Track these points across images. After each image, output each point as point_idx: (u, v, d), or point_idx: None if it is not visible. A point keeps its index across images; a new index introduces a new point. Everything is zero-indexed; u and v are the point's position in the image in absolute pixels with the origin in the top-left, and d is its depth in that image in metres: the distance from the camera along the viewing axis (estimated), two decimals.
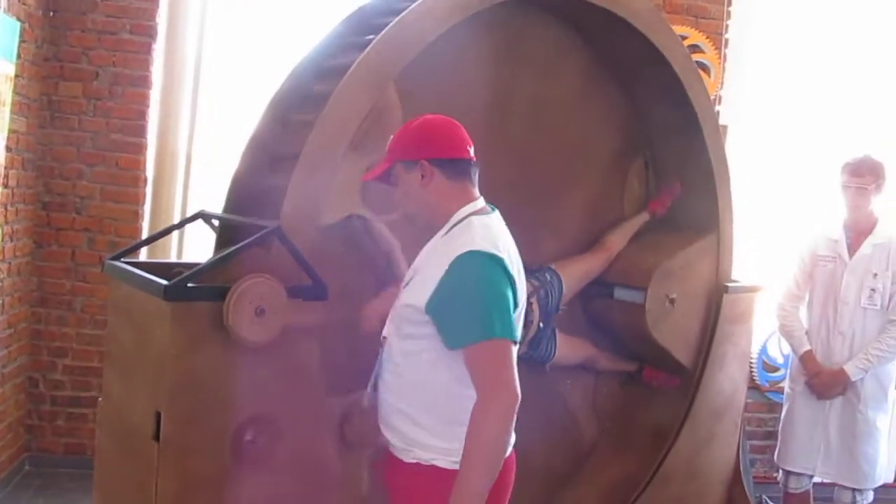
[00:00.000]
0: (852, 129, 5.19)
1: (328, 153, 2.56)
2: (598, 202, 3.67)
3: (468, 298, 2.03)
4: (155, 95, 4.45)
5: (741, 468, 4.37)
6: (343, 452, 2.69)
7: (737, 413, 4.24)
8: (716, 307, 3.94)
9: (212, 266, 2.36)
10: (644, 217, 3.57)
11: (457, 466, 2.04)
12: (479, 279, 2.03)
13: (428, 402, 2.16)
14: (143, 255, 3.87)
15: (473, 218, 2.15)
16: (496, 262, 2.06)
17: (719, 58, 4.87)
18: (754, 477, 4.77)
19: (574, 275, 3.38)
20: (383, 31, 2.67)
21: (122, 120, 4.40)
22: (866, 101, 5.29)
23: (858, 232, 3.75)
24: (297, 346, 2.46)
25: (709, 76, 4.79)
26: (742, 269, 4.90)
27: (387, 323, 2.29)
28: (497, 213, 2.25)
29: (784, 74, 5.10)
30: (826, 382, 3.73)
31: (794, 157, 5.09)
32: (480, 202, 2.22)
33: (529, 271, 3.24)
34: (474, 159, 2.22)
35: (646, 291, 3.45)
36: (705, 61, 4.79)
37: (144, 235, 4.42)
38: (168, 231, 2.70)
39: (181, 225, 2.79)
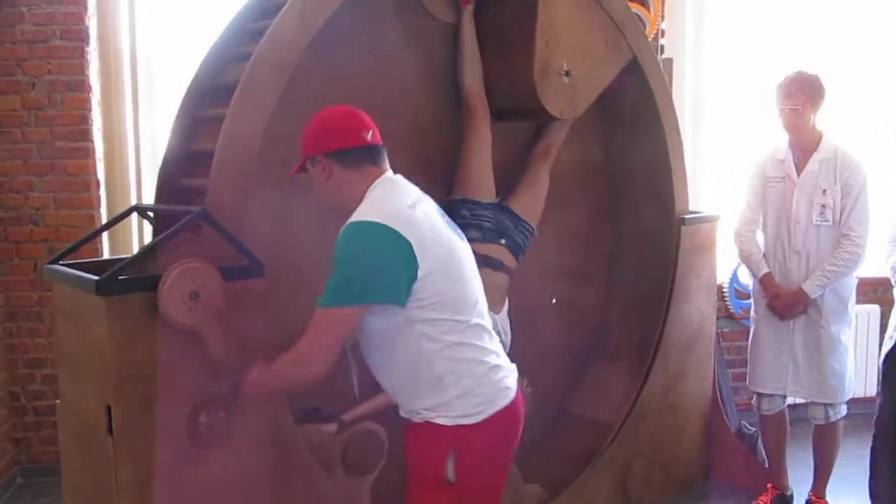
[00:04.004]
0: (799, 50, 5.18)
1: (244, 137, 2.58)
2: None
3: (333, 268, 2.14)
4: (95, 98, 4.43)
5: (720, 397, 4.43)
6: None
7: (708, 343, 4.29)
8: (675, 239, 3.99)
9: (141, 256, 2.38)
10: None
11: (452, 421, 2.20)
12: (343, 249, 2.14)
13: (405, 372, 2.25)
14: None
15: (375, 191, 2.23)
16: (372, 228, 2.12)
17: None
18: (738, 404, 4.82)
19: (535, 199, 3.54)
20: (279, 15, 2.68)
21: (65, 127, 4.38)
22: (814, 21, 5.28)
23: (804, 150, 3.75)
24: (242, 324, 2.47)
25: (649, 10, 4.77)
26: (703, 200, 4.98)
27: None
28: (400, 177, 2.32)
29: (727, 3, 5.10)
30: (786, 303, 3.75)
31: (743, 85, 5.07)
32: (385, 176, 2.28)
33: (487, 217, 3.33)
34: (371, 142, 2.28)
35: None
36: None
37: (104, 240, 4.42)
38: (102, 230, 2.71)
39: (115, 222, 2.79)
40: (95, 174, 4.45)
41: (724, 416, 4.40)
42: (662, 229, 4.02)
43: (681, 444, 4.21)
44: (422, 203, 2.27)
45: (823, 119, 3.79)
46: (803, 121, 3.68)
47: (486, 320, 2.34)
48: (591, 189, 4.14)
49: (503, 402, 2.28)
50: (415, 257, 2.11)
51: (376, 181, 2.26)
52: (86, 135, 4.41)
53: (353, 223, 2.16)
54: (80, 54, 4.36)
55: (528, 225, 3.50)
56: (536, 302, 3.94)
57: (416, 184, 2.38)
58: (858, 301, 4.35)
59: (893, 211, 3.64)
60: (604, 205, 4.19)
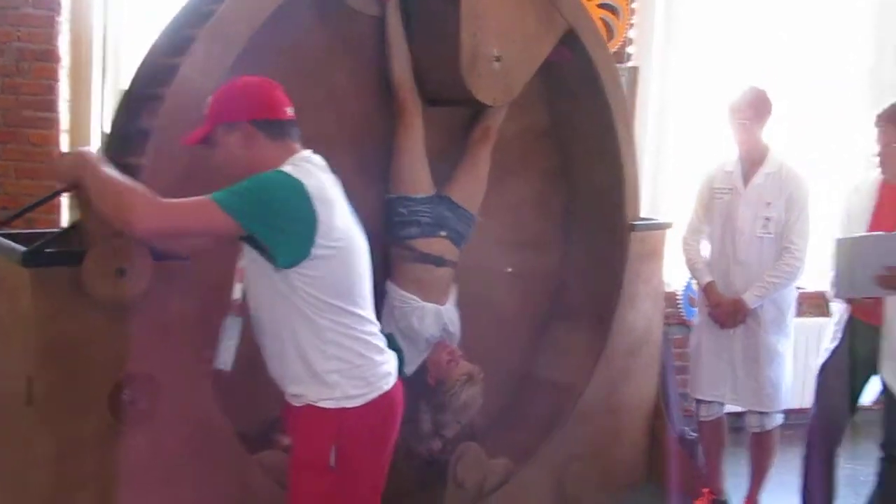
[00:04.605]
0: (763, 61, 5.24)
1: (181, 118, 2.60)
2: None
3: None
4: (64, 69, 4.44)
5: (665, 402, 4.49)
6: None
7: (654, 349, 4.34)
8: (624, 245, 4.04)
9: (70, 230, 2.41)
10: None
11: (335, 404, 2.25)
12: (258, 177, 2.14)
13: (287, 344, 2.26)
14: None
15: (291, 165, 2.23)
16: (286, 177, 2.14)
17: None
18: (686, 410, 4.88)
19: (475, 185, 3.57)
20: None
21: (31, 96, 4.38)
22: (778, 33, 5.34)
23: (751, 163, 3.81)
24: (166, 303, 2.51)
25: (617, 17, 4.81)
26: (661, 208, 5.04)
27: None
28: (318, 157, 2.32)
29: (694, 12, 5.14)
30: (727, 312, 3.81)
31: (707, 94, 5.12)
32: (303, 152, 2.29)
33: (425, 212, 3.37)
34: (294, 118, 2.29)
35: None
36: (613, 3, 4.81)
37: (63, 211, 4.44)
38: (43, 202, 2.73)
39: (57, 194, 2.82)
40: (59, 145, 4.46)
41: (668, 421, 4.46)
42: (611, 233, 4.06)
43: (621, 446, 4.26)
44: (335, 187, 2.29)
45: (786, 131, 3.84)
46: (750, 134, 3.75)
47: (370, 313, 2.37)
48: (539, 155, 4.10)
49: (385, 386, 2.33)
50: (314, 233, 2.13)
51: (293, 156, 2.25)
52: (52, 105, 4.41)
53: (278, 170, 2.16)
54: (51, 24, 4.36)
55: (468, 212, 3.53)
56: (493, 273, 3.94)
57: (355, 184, 2.41)
58: (804, 314, 4.42)
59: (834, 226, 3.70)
60: (553, 169, 4.14)
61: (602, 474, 4.13)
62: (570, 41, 3.69)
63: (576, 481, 3.99)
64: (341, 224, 2.23)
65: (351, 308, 2.27)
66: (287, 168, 2.18)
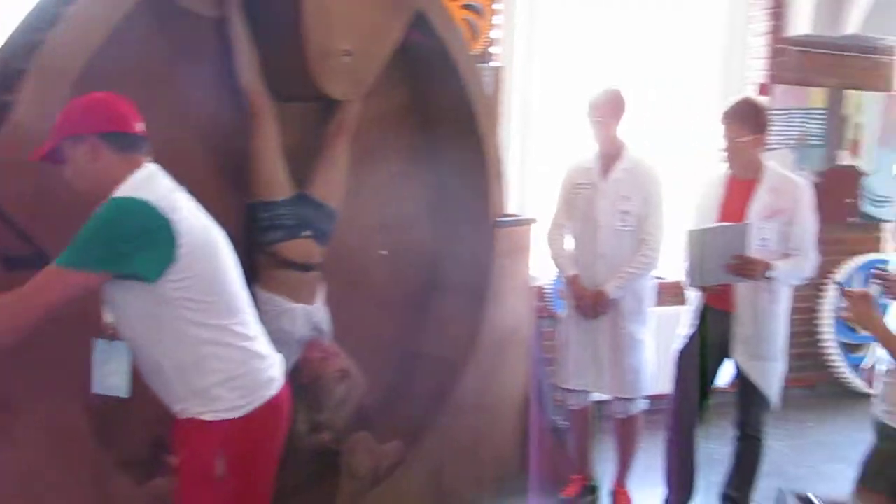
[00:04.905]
0: (623, 60, 5.44)
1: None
2: None
3: (81, 230, 2.11)
4: None
5: (537, 394, 4.59)
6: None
7: (523, 343, 4.44)
8: (490, 242, 4.11)
9: None
10: None
11: (218, 416, 2.22)
12: (96, 216, 2.11)
13: (166, 359, 2.22)
14: None
15: (135, 177, 2.21)
16: (125, 201, 2.12)
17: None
18: (558, 400, 5.00)
19: (335, 179, 3.56)
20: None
21: None
22: (635, 35, 5.56)
23: (609, 159, 3.94)
24: None
25: (480, 18, 4.90)
26: (527, 205, 5.16)
27: None
28: (160, 170, 2.30)
29: (555, 13, 5.28)
30: (589, 304, 3.93)
31: (569, 93, 5.27)
32: (147, 166, 2.26)
33: (286, 215, 3.35)
34: (142, 132, 2.27)
35: None
36: (476, 4, 4.89)
37: None
38: None
39: None
40: None
41: (540, 413, 4.57)
42: (477, 230, 4.13)
43: (495, 439, 4.33)
44: (181, 192, 2.28)
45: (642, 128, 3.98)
46: (607, 132, 3.88)
47: (247, 309, 2.36)
48: (403, 134, 4.10)
49: (268, 393, 2.32)
50: (173, 236, 2.12)
51: (138, 170, 2.23)
52: None
53: (112, 198, 2.14)
54: None
55: (331, 208, 3.53)
56: (367, 258, 3.95)
57: (214, 192, 2.38)
58: (664, 303, 4.61)
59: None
60: (418, 148, 4.15)
61: (477, 468, 4.20)
62: (420, 24, 3.71)
63: (452, 476, 4.05)
64: (197, 223, 2.22)
65: (225, 303, 2.25)
66: (127, 187, 2.16)
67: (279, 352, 3.27)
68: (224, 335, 2.23)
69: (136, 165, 2.23)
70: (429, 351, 4.21)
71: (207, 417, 2.23)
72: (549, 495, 4.27)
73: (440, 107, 4.05)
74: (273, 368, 2.39)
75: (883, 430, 2.95)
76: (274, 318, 3.36)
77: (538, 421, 4.50)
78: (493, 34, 4.97)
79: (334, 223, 3.56)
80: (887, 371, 2.95)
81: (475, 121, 3.99)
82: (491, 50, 4.95)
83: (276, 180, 3.37)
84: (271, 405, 2.32)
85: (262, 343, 2.38)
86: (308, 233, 3.43)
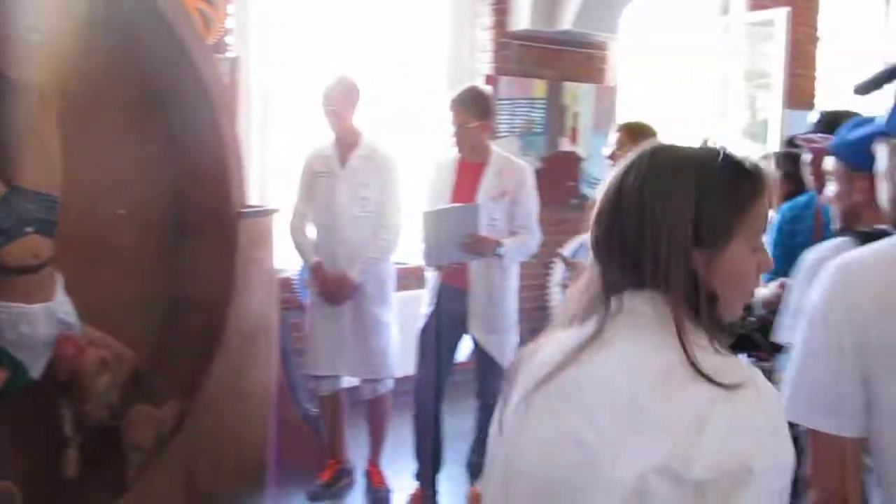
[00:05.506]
0: (356, 52, 5.57)
1: None
2: None
3: None
4: None
5: (289, 385, 4.61)
6: None
7: (271, 335, 4.43)
8: (232, 233, 4.07)
9: None
10: None
11: None
12: None
13: None
14: None
15: None
16: None
17: None
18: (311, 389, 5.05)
19: (47, 162, 3.29)
20: None
21: None
22: (368, 25, 5.70)
23: (346, 147, 4.04)
24: None
25: (213, 8, 4.81)
26: (270, 195, 5.15)
27: None
28: None
29: (290, 2, 5.31)
30: (333, 289, 4.02)
31: (307, 82, 5.31)
32: None
33: (4, 208, 3.12)
34: None
35: None
36: None
37: None
38: None
39: None
40: None
41: (293, 402, 4.60)
42: (217, 220, 4.07)
43: (248, 433, 4.30)
44: None
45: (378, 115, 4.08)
46: (343, 120, 3.98)
47: None
48: (125, 91, 3.84)
49: None
50: None
51: None
52: None
53: None
54: None
55: (50, 195, 3.32)
56: (105, 222, 3.74)
57: None
58: (405, 287, 4.77)
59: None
60: (143, 103, 3.89)
61: (231, 464, 4.15)
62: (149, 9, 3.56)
63: (205, 474, 3.97)
64: None
65: None
66: None
67: (25, 357, 3.12)
68: None
69: None
70: (188, 295, 4.07)
71: None
72: (306, 482, 4.32)
73: (174, 91, 3.92)
74: None
75: None
76: (12, 326, 3.15)
77: (289, 411, 4.53)
78: (227, 24, 4.91)
79: (57, 210, 3.33)
80: None
81: (212, 110, 3.92)
82: (226, 40, 4.89)
83: None
84: None
85: None
86: (31, 229, 3.22)
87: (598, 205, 1.32)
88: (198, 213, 4.10)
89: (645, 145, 1.31)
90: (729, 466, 1.11)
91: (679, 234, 1.21)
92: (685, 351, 1.17)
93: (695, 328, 1.21)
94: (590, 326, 1.28)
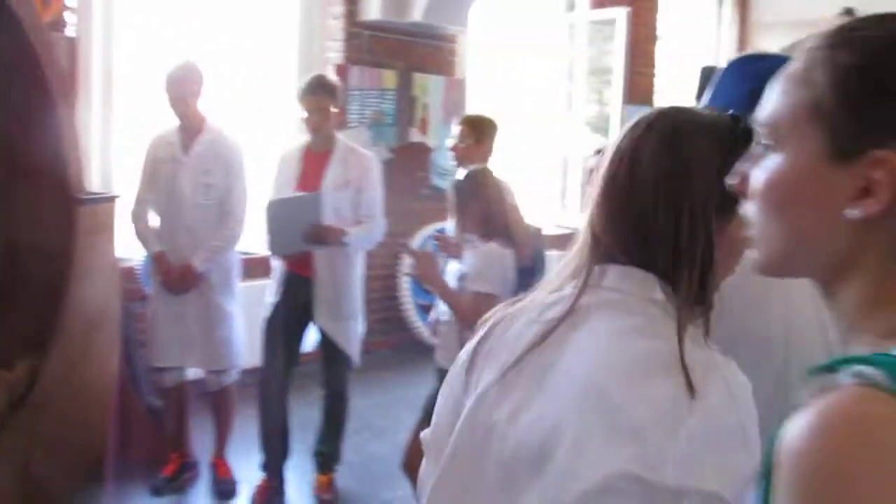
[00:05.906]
0: (203, 37, 5.46)
1: None
2: None
3: None
4: None
5: (132, 377, 4.49)
6: None
7: (113, 325, 4.30)
8: (73, 220, 3.92)
9: None
10: None
11: None
12: None
13: None
14: None
15: None
16: None
17: None
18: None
19: None
20: None
21: None
22: (216, 9, 5.60)
23: (190, 133, 3.96)
24: None
25: None
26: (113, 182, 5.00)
27: None
28: None
29: None
30: (176, 279, 3.94)
31: (151, 65, 5.16)
32: None
33: None
34: None
35: None
36: None
37: None
38: None
39: None
40: None
41: (136, 394, 4.48)
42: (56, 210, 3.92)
43: (87, 426, 4.18)
44: None
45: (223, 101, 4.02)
46: (186, 105, 3.90)
47: None
48: None
49: None
50: None
51: None
52: None
53: None
54: None
55: None
56: None
57: None
58: (251, 277, 4.73)
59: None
60: None
61: (70, 457, 4.02)
62: None
63: (42, 470, 3.83)
64: None
65: None
66: None
67: None
68: None
69: None
70: (27, 243, 3.90)
71: None
72: (150, 476, 4.22)
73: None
74: None
75: (442, 375, 3.33)
76: None
77: (132, 403, 4.41)
78: (67, 2, 4.72)
79: None
80: (445, 322, 3.35)
81: (46, 90, 3.75)
82: (66, 18, 4.69)
83: None
84: None
85: None
86: None
87: (604, 168, 1.23)
88: (30, 161, 3.90)
89: (653, 110, 1.23)
90: (700, 486, 1.02)
91: (701, 203, 1.14)
92: (679, 343, 1.08)
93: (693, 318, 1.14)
94: (567, 295, 1.19)
